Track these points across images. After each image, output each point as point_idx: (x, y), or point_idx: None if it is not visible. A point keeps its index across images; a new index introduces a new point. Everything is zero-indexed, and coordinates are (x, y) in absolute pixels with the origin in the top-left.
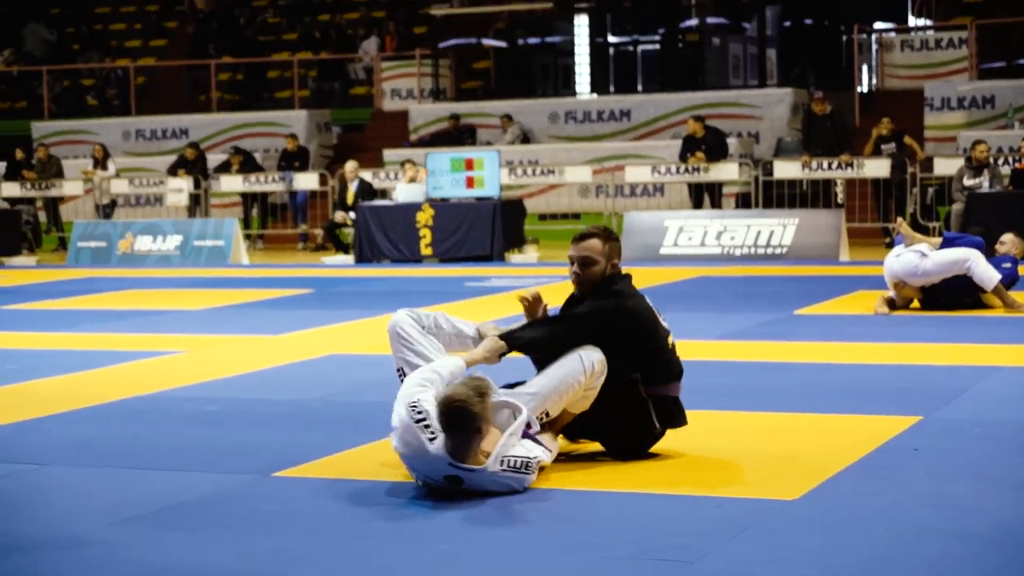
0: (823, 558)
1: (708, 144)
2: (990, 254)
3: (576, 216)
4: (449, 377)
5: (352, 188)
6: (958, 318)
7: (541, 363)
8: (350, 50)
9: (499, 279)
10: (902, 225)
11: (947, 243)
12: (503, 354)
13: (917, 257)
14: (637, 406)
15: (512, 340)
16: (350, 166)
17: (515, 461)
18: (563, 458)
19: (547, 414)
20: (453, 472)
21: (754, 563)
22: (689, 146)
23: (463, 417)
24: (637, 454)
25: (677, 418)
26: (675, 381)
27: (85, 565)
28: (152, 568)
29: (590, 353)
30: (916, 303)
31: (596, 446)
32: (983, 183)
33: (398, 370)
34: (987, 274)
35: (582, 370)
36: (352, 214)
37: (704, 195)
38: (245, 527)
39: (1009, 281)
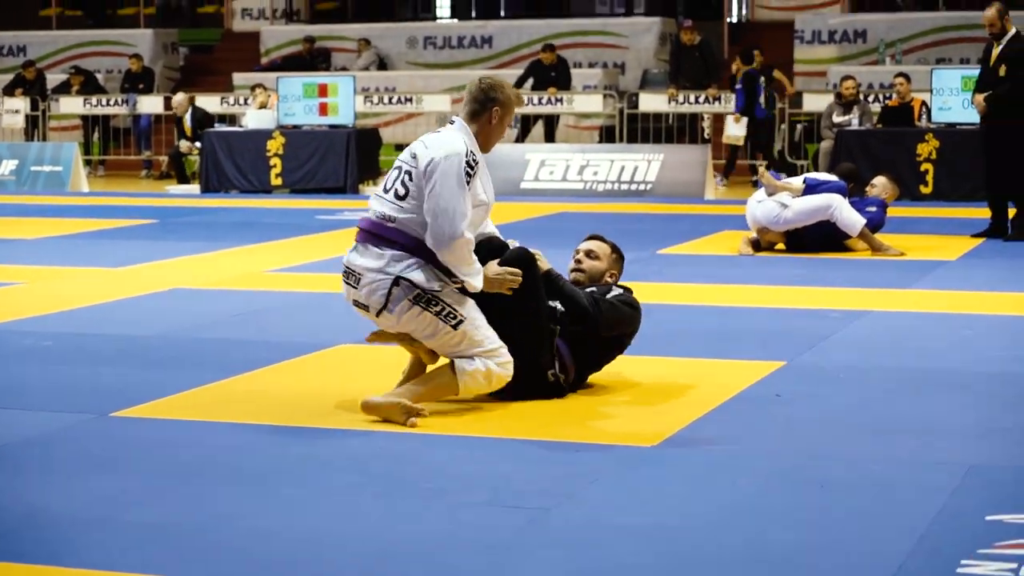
0: (681, 505)
1: (558, 74)
2: (862, 195)
3: None
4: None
5: (187, 121)
6: (825, 260)
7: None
8: None
9: (352, 212)
10: (763, 175)
11: (809, 189)
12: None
13: (778, 207)
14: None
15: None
16: (178, 99)
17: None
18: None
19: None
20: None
21: (611, 510)
22: (536, 73)
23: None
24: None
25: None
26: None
27: None
28: None
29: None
30: (781, 245)
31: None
32: (853, 120)
33: None
34: (851, 220)
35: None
36: (197, 144)
37: (531, 127)
38: (78, 469)
39: (874, 226)
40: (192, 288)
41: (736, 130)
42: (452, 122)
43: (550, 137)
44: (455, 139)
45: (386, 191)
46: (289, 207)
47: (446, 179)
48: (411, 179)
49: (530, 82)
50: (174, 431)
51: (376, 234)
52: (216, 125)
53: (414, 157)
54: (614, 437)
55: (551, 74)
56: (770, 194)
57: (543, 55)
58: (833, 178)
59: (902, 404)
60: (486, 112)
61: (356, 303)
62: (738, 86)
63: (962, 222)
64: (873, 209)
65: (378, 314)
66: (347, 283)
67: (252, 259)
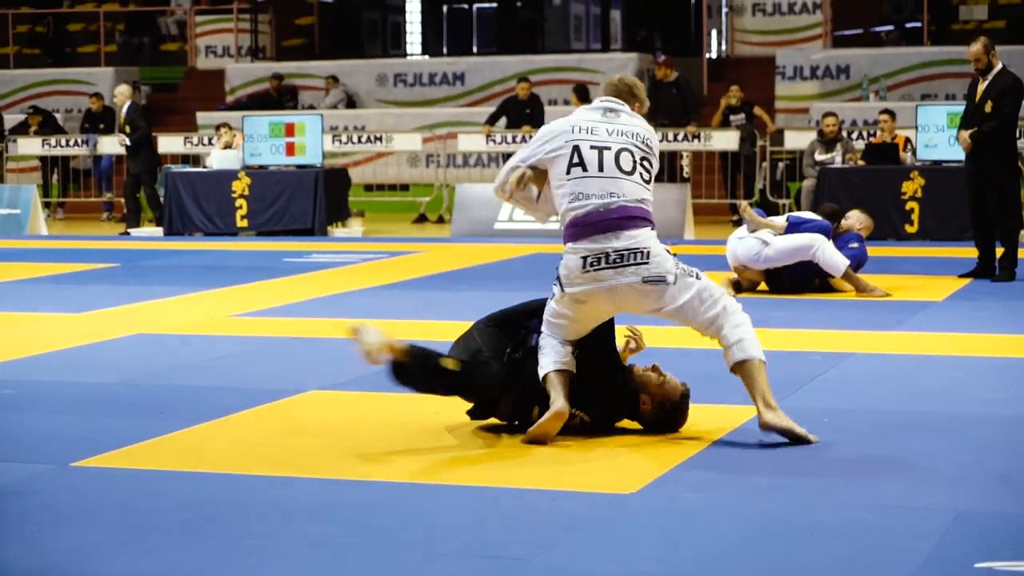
0: (662, 554)
1: (532, 110)
2: (836, 232)
3: (405, 187)
4: None
5: (122, 112)
6: (807, 301)
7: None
8: (161, 2)
9: (320, 255)
10: (746, 210)
11: (792, 228)
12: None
13: (759, 244)
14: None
15: None
16: (121, 89)
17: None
18: (391, 444)
19: None
20: None
21: (590, 559)
22: (510, 110)
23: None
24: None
25: None
26: None
27: None
28: None
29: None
30: (764, 285)
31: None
32: (836, 158)
33: None
34: (834, 260)
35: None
36: (127, 139)
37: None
38: (42, 520)
39: (857, 264)
40: (155, 334)
41: None
42: (612, 108)
43: None
44: None
45: (627, 173)
46: (255, 250)
47: None
48: (651, 165)
49: (503, 121)
50: (138, 481)
51: (639, 216)
52: (182, 164)
53: (647, 145)
54: (591, 484)
55: (525, 111)
56: (752, 231)
57: (519, 88)
58: (817, 217)
59: (888, 448)
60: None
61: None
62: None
63: (949, 262)
64: (855, 245)
65: (655, 288)
66: (611, 266)
67: (217, 304)
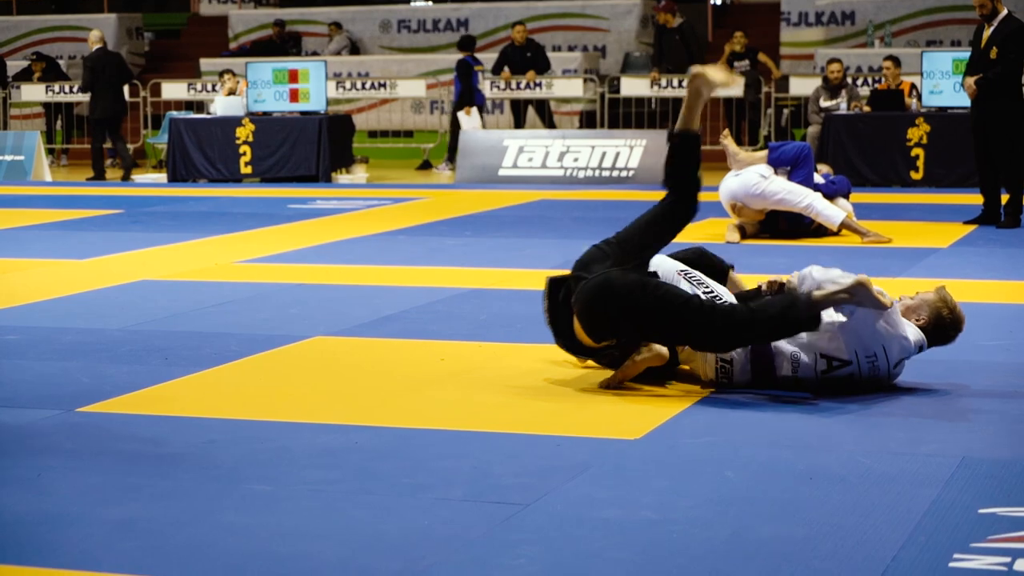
0: (665, 499)
1: (533, 55)
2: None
3: (409, 134)
4: None
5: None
6: (811, 248)
7: None
8: None
9: (325, 201)
10: (727, 137)
11: (772, 152)
12: None
13: (757, 177)
14: None
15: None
16: (95, 35)
17: None
18: (392, 392)
19: None
20: None
21: (594, 504)
22: (510, 59)
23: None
24: None
25: None
26: None
27: None
28: None
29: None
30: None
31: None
32: (841, 104)
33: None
34: (828, 214)
35: None
36: (88, 95)
37: (527, 113)
38: (47, 466)
39: (847, 189)
40: (160, 280)
41: (470, 122)
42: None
43: (548, 123)
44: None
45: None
46: (259, 196)
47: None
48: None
49: (506, 70)
50: (144, 426)
51: None
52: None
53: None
54: (596, 430)
55: (527, 54)
56: (737, 169)
57: (514, 32)
58: (794, 141)
59: (892, 395)
60: None
61: None
62: (454, 74)
63: (954, 208)
64: (833, 177)
65: None
66: None
67: (222, 250)
